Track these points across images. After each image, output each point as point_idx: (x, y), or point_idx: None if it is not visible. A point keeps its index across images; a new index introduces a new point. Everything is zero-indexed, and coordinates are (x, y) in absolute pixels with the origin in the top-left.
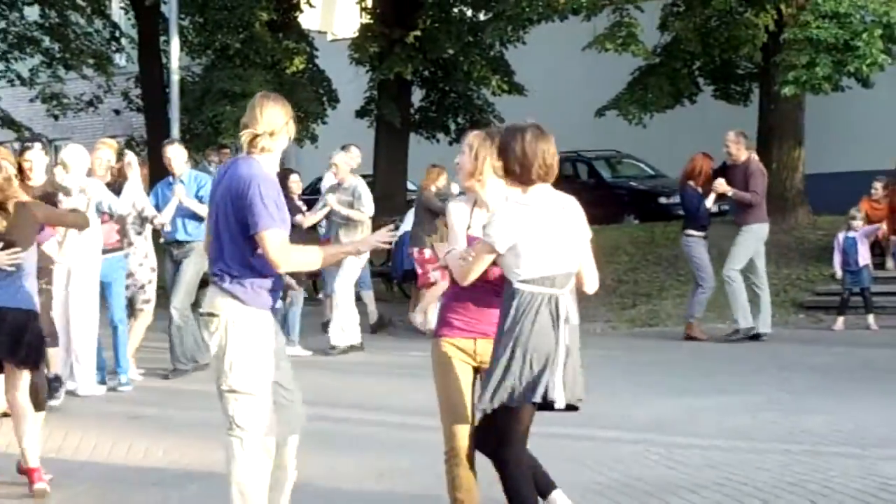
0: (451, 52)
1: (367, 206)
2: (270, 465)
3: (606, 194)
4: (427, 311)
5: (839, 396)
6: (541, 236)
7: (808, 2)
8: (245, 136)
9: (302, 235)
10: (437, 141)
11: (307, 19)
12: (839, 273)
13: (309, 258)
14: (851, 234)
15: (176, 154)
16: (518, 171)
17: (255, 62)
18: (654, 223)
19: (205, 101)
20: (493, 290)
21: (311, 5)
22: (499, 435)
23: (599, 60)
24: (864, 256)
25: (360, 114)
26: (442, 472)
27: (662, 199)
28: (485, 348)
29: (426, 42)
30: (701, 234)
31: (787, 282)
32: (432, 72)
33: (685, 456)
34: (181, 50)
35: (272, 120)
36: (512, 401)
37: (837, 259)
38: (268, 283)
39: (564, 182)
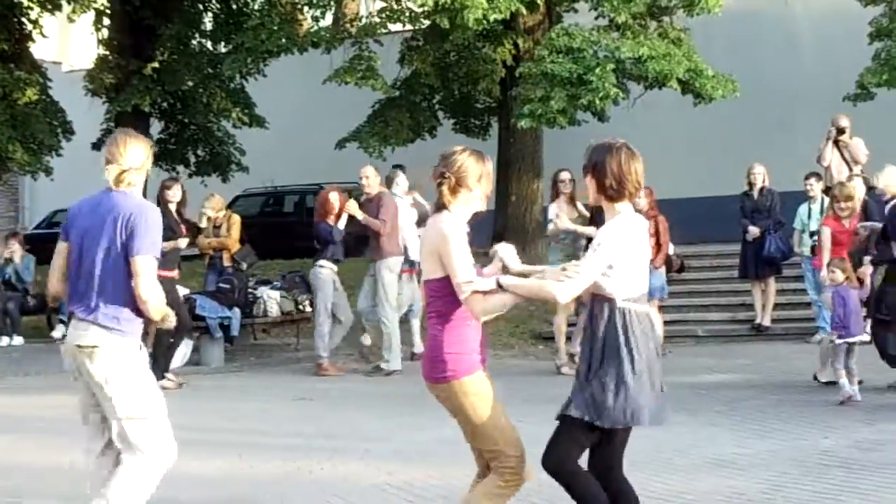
0: (190, 84)
1: None
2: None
3: None
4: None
5: None
6: (636, 254)
7: (543, 37)
8: (111, 171)
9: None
10: (178, 173)
11: (41, 49)
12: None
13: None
14: None
15: None
16: (614, 188)
17: None
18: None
19: None
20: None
21: (44, 35)
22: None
23: (342, 93)
24: None
25: (97, 146)
26: None
27: None
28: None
29: (165, 74)
30: (334, 266)
31: (526, 313)
32: (171, 104)
33: (424, 489)
34: None
35: (136, 156)
36: (628, 421)
37: None
38: (138, 314)
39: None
